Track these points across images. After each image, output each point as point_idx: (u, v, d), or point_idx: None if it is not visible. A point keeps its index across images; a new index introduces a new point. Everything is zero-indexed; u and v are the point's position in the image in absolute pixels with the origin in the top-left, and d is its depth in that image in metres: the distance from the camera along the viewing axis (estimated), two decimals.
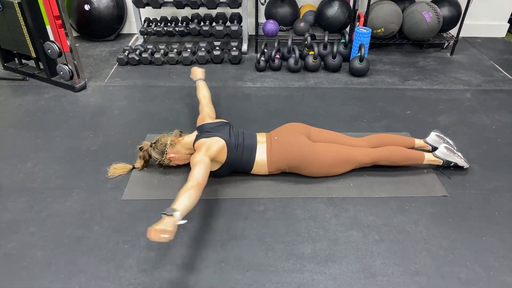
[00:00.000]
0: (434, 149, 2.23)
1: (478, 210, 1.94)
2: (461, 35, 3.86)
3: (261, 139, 2.11)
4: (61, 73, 3.00)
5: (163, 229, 1.41)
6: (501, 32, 4.14)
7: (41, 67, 3.15)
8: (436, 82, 3.18)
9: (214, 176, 2.12)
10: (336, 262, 1.67)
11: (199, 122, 2.20)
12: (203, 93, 2.46)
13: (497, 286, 1.58)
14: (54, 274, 1.62)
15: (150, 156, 2.12)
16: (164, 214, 1.48)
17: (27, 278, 1.60)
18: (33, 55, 3.02)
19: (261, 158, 2.04)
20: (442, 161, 2.14)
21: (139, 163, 2.16)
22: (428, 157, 2.14)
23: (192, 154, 2.06)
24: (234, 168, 2.08)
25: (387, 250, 1.72)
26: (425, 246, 1.74)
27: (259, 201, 1.98)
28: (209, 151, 1.93)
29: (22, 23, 2.84)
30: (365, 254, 1.71)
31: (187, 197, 1.61)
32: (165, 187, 2.07)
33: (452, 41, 3.67)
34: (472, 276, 1.62)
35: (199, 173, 1.75)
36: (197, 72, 2.62)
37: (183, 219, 1.53)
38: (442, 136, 2.23)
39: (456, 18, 3.59)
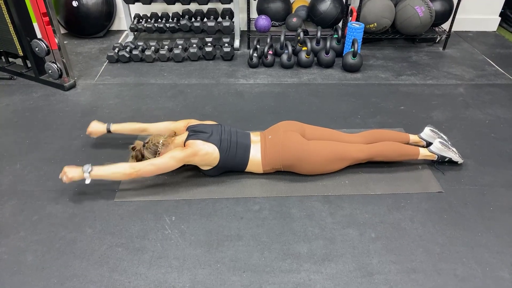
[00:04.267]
0: (429, 144, 2.23)
1: (473, 205, 1.94)
2: (453, 29, 3.86)
3: (255, 138, 2.09)
4: (50, 71, 2.93)
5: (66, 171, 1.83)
6: (493, 26, 4.16)
7: (29, 65, 3.08)
8: (429, 77, 3.18)
9: (207, 176, 2.09)
10: (332, 261, 1.66)
11: (185, 126, 2.13)
12: (136, 125, 2.23)
13: (493, 282, 1.58)
14: (46, 279, 1.58)
15: (142, 156, 2.08)
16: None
17: (18, 283, 1.57)
18: (20, 53, 2.94)
19: (256, 158, 2.02)
20: (436, 156, 2.14)
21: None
22: (423, 152, 2.14)
23: None
24: (227, 168, 2.06)
25: (384, 248, 1.72)
26: (421, 243, 1.74)
27: (254, 201, 1.96)
28: (195, 157, 1.92)
29: (8, 20, 2.76)
30: (361, 253, 1.70)
31: (112, 170, 1.84)
32: (159, 188, 2.03)
33: (444, 36, 3.67)
34: (468, 272, 1.62)
35: (149, 167, 1.87)
36: (96, 125, 2.26)
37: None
38: (436, 131, 2.23)
39: (448, 12, 3.59)
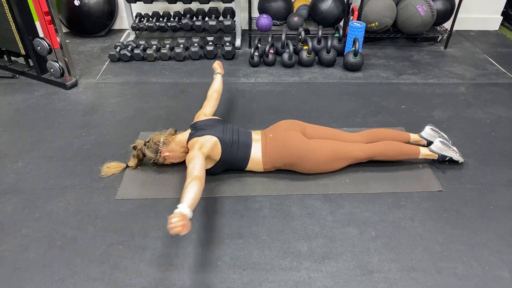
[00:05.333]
0: (429, 143, 2.23)
1: (473, 205, 1.94)
2: (454, 28, 3.86)
3: (256, 136, 2.10)
4: (52, 70, 2.95)
5: (172, 223, 1.45)
6: (494, 25, 4.15)
7: (31, 64, 3.10)
8: (430, 76, 3.18)
9: (208, 174, 2.10)
10: (332, 259, 1.67)
11: (194, 120, 2.18)
12: (214, 88, 2.41)
13: (493, 281, 1.58)
14: (47, 276, 1.59)
15: (144, 154, 2.10)
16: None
17: (20, 280, 1.58)
18: (22, 52, 2.96)
19: (257, 156, 2.03)
20: (437, 155, 2.14)
21: (132, 162, 2.14)
22: (424, 152, 2.14)
23: (186, 152, 2.05)
24: (229, 165, 2.06)
25: (384, 247, 1.72)
26: (421, 242, 1.75)
27: (255, 199, 1.97)
28: (203, 149, 1.91)
29: (10, 19, 2.78)
30: (361, 251, 1.70)
31: (188, 190, 1.60)
32: (160, 186, 2.04)
33: (445, 35, 3.67)
34: (468, 271, 1.62)
35: (194, 168, 1.75)
36: (218, 67, 2.57)
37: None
38: (437, 130, 2.23)
39: (449, 11, 3.59)
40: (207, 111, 2.25)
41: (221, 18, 3.78)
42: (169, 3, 3.53)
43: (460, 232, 1.80)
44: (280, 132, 2.06)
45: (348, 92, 2.95)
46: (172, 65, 3.35)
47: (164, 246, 1.72)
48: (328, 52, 3.25)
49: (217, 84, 2.44)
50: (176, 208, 1.50)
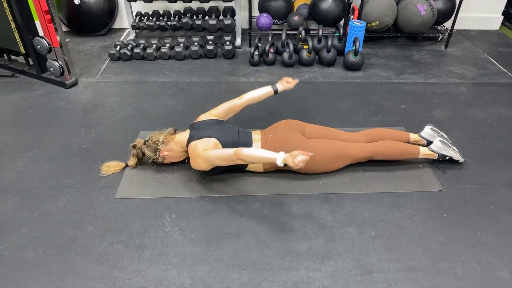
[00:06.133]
0: (429, 143, 2.22)
1: (473, 204, 1.94)
2: (455, 28, 3.85)
3: (256, 136, 2.09)
4: (51, 69, 2.94)
5: (300, 162, 1.64)
6: (495, 25, 4.14)
7: (31, 63, 3.09)
8: (431, 76, 3.18)
9: (209, 174, 2.10)
10: (332, 259, 1.67)
11: (196, 119, 2.16)
12: (246, 95, 2.19)
13: (493, 281, 1.58)
14: (46, 275, 1.59)
15: (143, 154, 2.09)
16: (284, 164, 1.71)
17: (19, 280, 1.58)
18: (22, 51, 2.95)
19: None
20: (437, 155, 2.13)
21: (132, 161, 2.14)
22: (423, 151, 2.14)
23: (185, 152, 2.05)
24: (229, 165, 2.06)
25: (383, 246, 1.72)
26: (420, 242, 1.74)
27: (255, 198, 1.96)
28: (206, 149, 1.91)
29: (10, 18, 2.77)
30: (361, 251, 1.70)
31: (257, 154, 1.77)
32: (159, 185, 2.04)
33: (446, 34, 3.66)
34: (468, 271, 1.62)
35: (221, 155, 1.85)
36: (282, 80, 2.27)
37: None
38: (437, 129, 2.23)
39: (450, 10, 3.58)
40: (212, 113, 2.18)
41: (221, 17, 3.78)
42: (169, 2, 3.53)
43: (459, 232, 1.79)
44: (279, 132, 2.06)
45: (348, 91, 2.94)
46: (172, 64, 3.35)
47: (163, 246, 1.72)
48: (328, 51, 3.25)
49: (254, 92, 2.19)
50: (277, 164, 1.70)
